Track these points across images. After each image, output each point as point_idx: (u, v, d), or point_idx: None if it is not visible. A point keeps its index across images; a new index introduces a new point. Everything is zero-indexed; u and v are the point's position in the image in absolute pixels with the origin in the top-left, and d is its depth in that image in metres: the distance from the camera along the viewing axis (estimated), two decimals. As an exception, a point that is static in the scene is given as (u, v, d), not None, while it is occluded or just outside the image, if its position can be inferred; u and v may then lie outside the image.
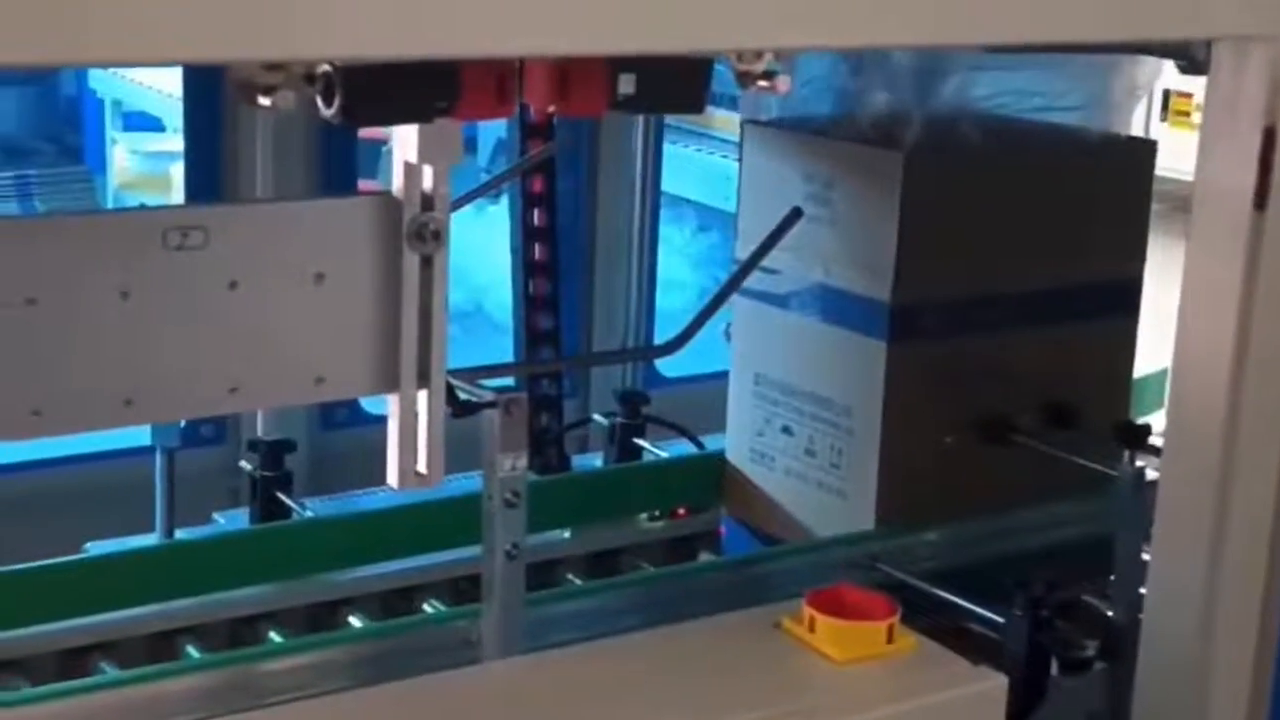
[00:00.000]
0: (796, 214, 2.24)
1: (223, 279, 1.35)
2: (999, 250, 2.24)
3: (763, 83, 1.28)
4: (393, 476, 1.46)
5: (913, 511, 2.21)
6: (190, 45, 1.04)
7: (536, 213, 2.79)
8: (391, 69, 1.17)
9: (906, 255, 2.14)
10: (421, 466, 1.47)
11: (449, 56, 1.17)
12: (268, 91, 1.15)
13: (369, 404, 2.92)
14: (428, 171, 1.39)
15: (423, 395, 1.46)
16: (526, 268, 2.80)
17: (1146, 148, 2.44)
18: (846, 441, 2.26)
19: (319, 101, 1.19)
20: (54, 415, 1.32)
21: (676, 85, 1.29)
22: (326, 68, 1.19)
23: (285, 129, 2.72)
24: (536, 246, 2.79)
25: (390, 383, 1.44)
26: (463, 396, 1.74)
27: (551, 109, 1.25)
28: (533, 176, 2.79)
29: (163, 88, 6.33)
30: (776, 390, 2.36)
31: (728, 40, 1.22)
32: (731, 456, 2.47)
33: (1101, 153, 2.34)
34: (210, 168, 2.72)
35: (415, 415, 1.45)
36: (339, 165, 2.80)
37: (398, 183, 1.40)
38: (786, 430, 2.35)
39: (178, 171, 5.85)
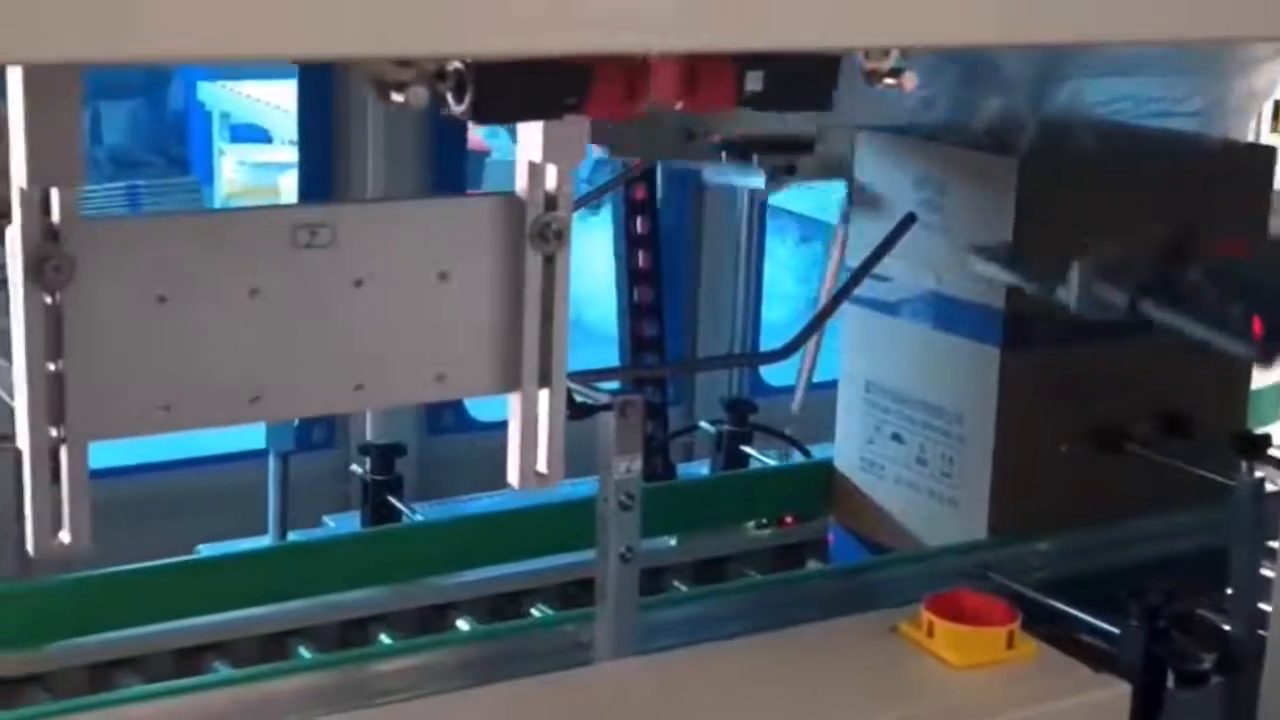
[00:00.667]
0: (910, 220, 2.22)
1: (349, 277, 1.36)
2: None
3: (889, 80, 1.27)
4: (513, 476, 1.47)
5: (1026, 521, 2.19)
6: (325, 41, 1.05)
7: (639, 220, 2.79)
8: (522, 66, 1.17)
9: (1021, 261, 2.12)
10: (541, 466, 1.47)
11: (580, 53, 1.17)
12: (400, 88, 1.15)
13: (476, 410, 2.94)
14: (551, 171, 1.39)
15: (543, 395, 1.46)
16: (630, 275, 2.80)
17: (1266, 154, 2.41)
18: (958, 450, 2.24)
19: (449, 98, 1.19)
20: (182, 410, 1.33)
21: (804, 82, 1.28)
22: (457, 64, 1.19)
23: (395, 137, 2.75)
24: (640, 254, 2.80)
25: (511, 382, 1.44)
26: (578, 399, 1.75)
27: (679, 105, 1.25)
28: (636, 184, 2.80)
29: (270, 99, 6.40)
30: (888, 398, 2.35)
31: (857, 37, 1.21)
32: (840, 464, 2.46)
33: (1220, 159, 2.31)
34: (323, 176, 2.74)
35: (536, 415, 1.46)
36: (448, 174, 2.81)
37: (521, 182, 1.40)
38: (897, 438, 2.34)
39: (285, 182, 5.92)
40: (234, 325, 1.32)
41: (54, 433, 1.26)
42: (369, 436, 2.74)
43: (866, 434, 2.40)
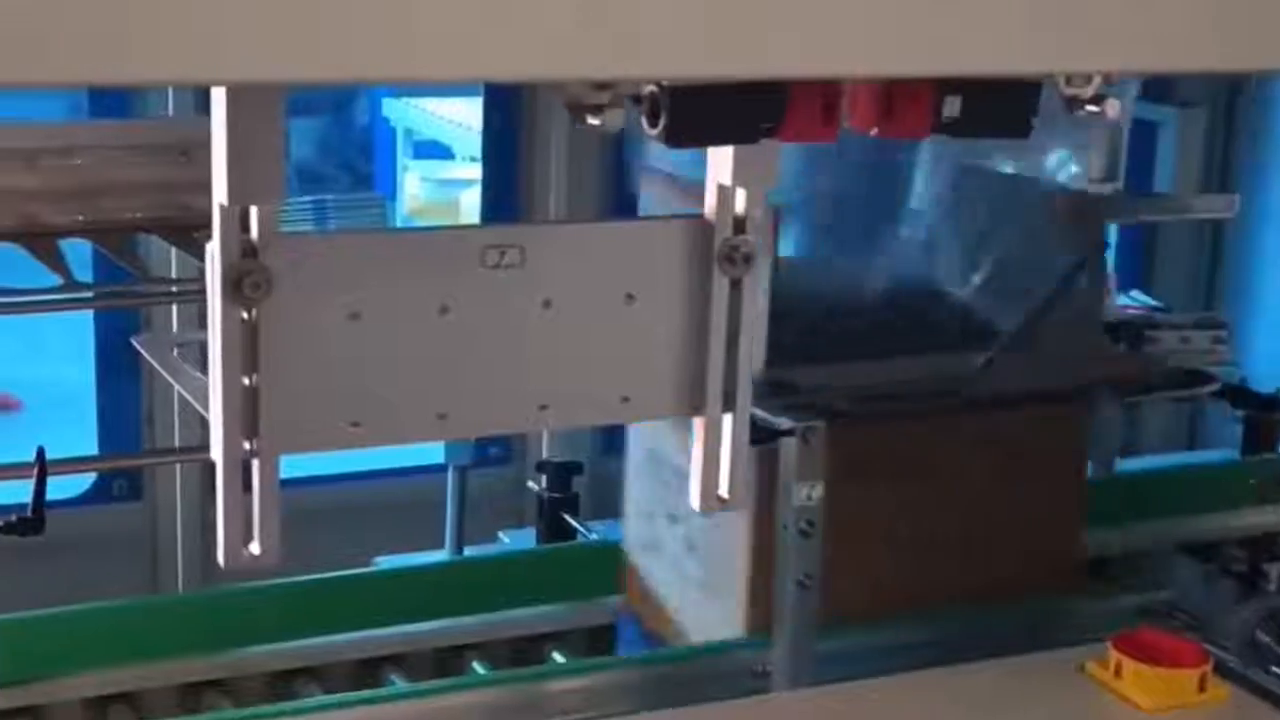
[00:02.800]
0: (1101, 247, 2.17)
1: (537, 297, 1.36)
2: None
3: (1091, 108, 1.24)
4: (695, 500, 1.45)
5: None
6: (525, 64, 1.05)
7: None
8: (717, 89, 1.17)
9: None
10: (724, 491, 1.46)
11: (776, 77, 1.16)
12: (596, 111, 1.15)
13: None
14: (741, 194, 1.38)
15: (727, 419, 1.44)
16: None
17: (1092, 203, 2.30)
18: (715, 536, 2.00)
19: (643, 122, 1.19)
20: (372, 427, 1.34)
21: (1003, 109, 1.26)
22: (653, 88, 1.19)
23: (579, 156, 2.76)
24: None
25: (695, 405, 1.43)
26: (759, 424, 1.73)
27: (874, 131, 1.23)
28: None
29: (453, 116, 6.48)
30: (668, 471, 2.07)
31: (1059, 62, 1.18)
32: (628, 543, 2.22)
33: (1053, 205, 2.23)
34: (507, 194, 2.77)
35: (719, 439, 1.44)
36: (630, 193, 2.82)
37: (710, 205, 1.39)
38: (672, 518, 2.10)
39: (466, 198, 5.99)
40: (423, 343, 1.33)
41: (247, 446, 1.27)
42: (545, 454, 2.75)
43: (648, 509, 2.16)
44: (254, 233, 1.24)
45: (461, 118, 6.30)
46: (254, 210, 1.24)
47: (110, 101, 2.66)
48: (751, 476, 1.56)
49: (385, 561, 2.38)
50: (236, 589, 2.14)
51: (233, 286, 1.24)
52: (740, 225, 1.39)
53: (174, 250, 2.27)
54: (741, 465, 1.45)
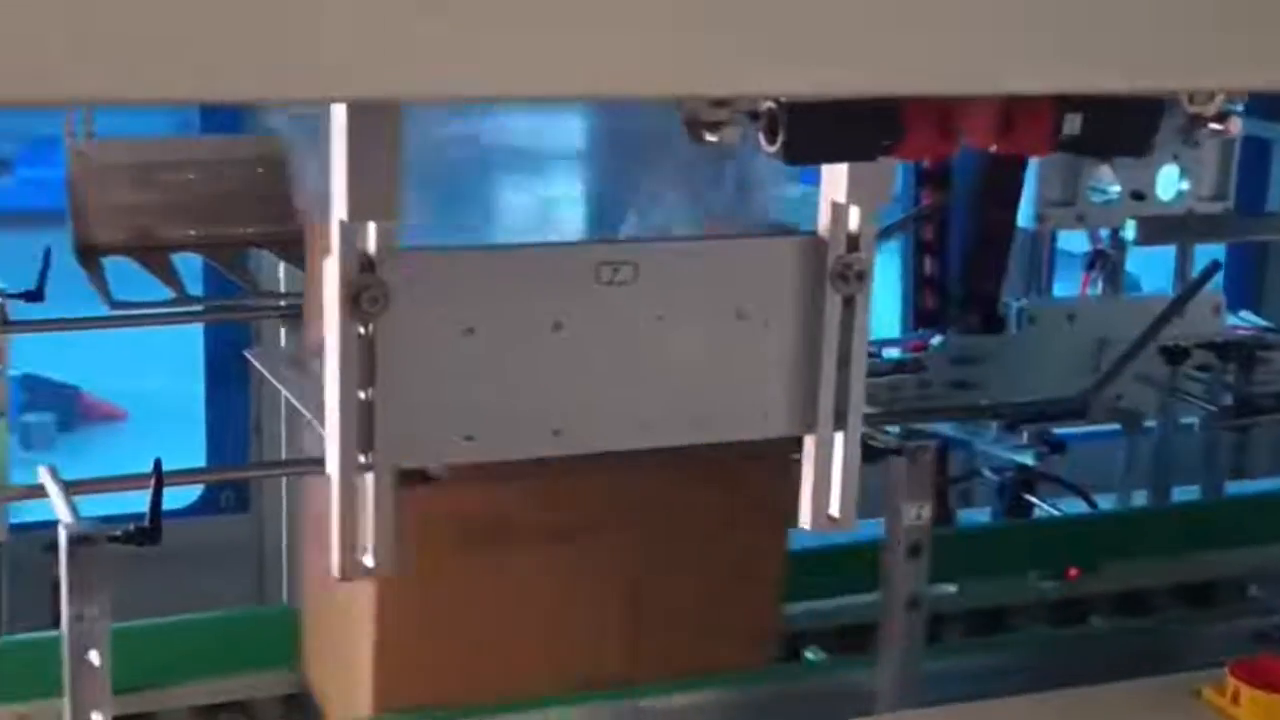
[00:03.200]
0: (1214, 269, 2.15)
1: (649, 313, 1.36)
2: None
3: (1215, 125, 1.23)
4: (805, 518, 1.45)
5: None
6: (646, 80, 1.05)
7: (929, 261, 2.75)
8: (835, 107, 1.16)
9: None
10: (834, 510, 1.45)
11: (896, 94, 1.16)
12: (714, 127, 1.15)
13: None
14: (854, 212, 1.38)
15: (838, 438, 1.44)
16: (917, 317, 2.76)
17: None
18: None
19: (761, 139, 1.19)
20: (486, 440, 1.35)
21: (1124, 127, 1.24)
22: (770, 105, 1.19)
23: (668, 174, 2.75)
24: (928, 295, 2.75)
25: (806, 423, 1.43)
26: (868, 442, 1.72)
27: (993, 148, 1.22)
28: (924, 225, 2.76)
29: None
30: None
31: (1184, 80, 1.17)
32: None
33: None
34: (612, 210, 2.76)
35: (830, 457, 1.44)
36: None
37: (823, 222, 1.39)
38: None
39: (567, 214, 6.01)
40: (537, 358, 1.34)
41: (362, 458, 1.28)
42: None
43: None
44: (372, 248, 1.25)
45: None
46: (371, 226, 1.25)
47: (221, 118, 2.69)
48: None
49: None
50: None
51: (351, 301, 1.25)
52: (853, 243, 1.39)
53: (282, 264, 2.29)
54: (852, 484, 1.45)
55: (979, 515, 2.78)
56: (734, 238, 1.46)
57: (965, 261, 2.60)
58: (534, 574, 1.72)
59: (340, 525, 1.29)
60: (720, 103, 1.16)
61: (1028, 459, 2.43)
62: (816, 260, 1.39)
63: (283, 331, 2.55)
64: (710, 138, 1.15)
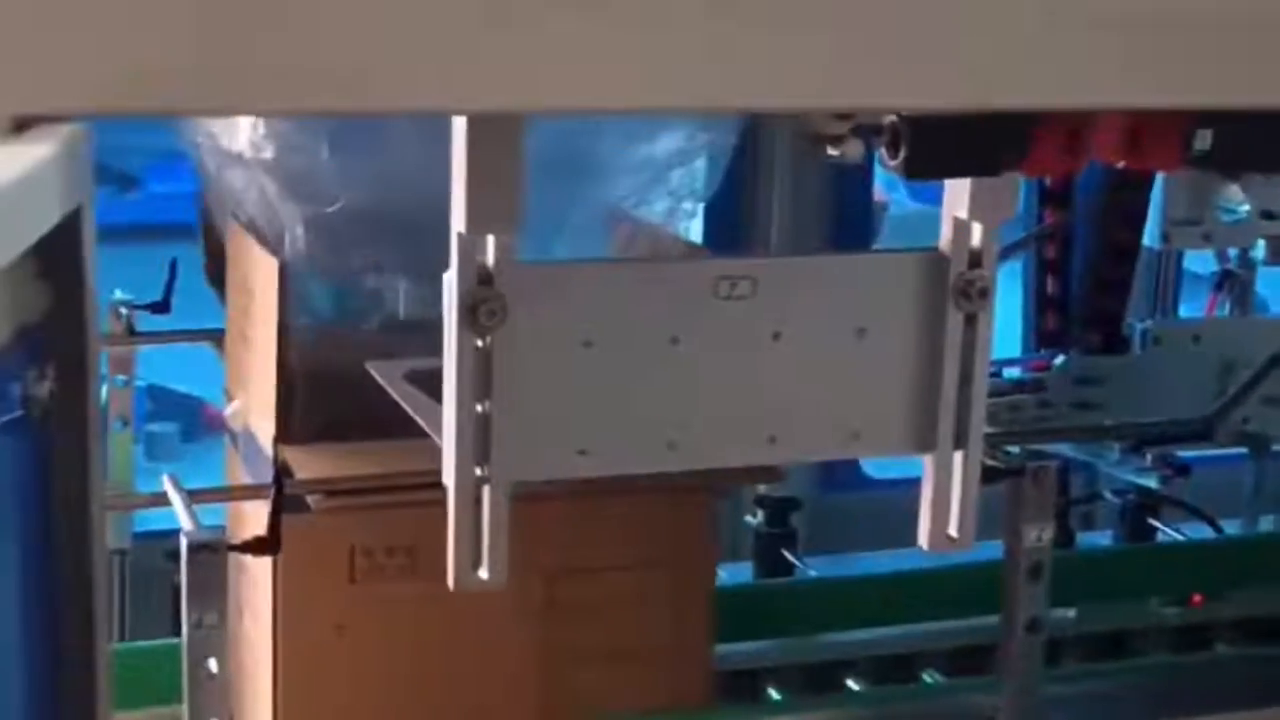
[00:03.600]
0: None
1: (767, 329, 1.35)
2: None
3: (1354, 143, 1.20)
4: (923, 539, 1.43)
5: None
6: (769, 93, 1.04)
7: (1051, 281, 2.71)
8: (960, 121, 1.15)
9: None
10: (953, 530, 1.43)
11: (1022, 109, 1.14)
12: (835, 141, 1.15)
13: (870, 466, 2.90)
14: (977, 228, 1.36)
15: (958, 457, 1.42)
16: (1039, 338, 2.72)
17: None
18: None
19: (883, 154, 1.18)
20: (600, 456, 1.34)
21: (1259, 143, 1.22)
22: (893, 119, 1.18)
23: (801, 188, 2.75)
24: (1050, 316, 2.72)
25: (926, 443, 1.41)
26: (987, 462, 1.70)
27: (1121, 164, 1.20)
28: (1046, 243, 2.72)
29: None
30: None
31: (1320, 95, 1.14)
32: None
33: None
34: (728, 225, 2.76)
35: (950, 477, 1.42)
36: (852, 226, 2.80)
37: (945, 238, 1.37)
38: None
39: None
40: (654, 372, 1.33)
41: (478, 471, 1.29)
42: (762, 488, 2.73)
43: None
44: (490, 261, 1.26)
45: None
46: (490, 239, 1.25)
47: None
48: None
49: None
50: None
51: (468, 314, 1.25)
52: (976, 259, 1.37)
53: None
54: (971, 504, 1.43)
55: (1100, 538, 2.74)
56: (854, 253, 1.45)
57: (1088, 281, 2.57)
58: (440, 609, 1.67)
59: (456, 538, 1.29)
60: (842, 116, 1.15)
61: (1151, 482, 2.39)
62: (938, 277, 1.37)
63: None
64: (831, 151, 1.15)
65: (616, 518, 1.77)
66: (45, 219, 0.84)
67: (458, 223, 1.23)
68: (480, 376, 1.26)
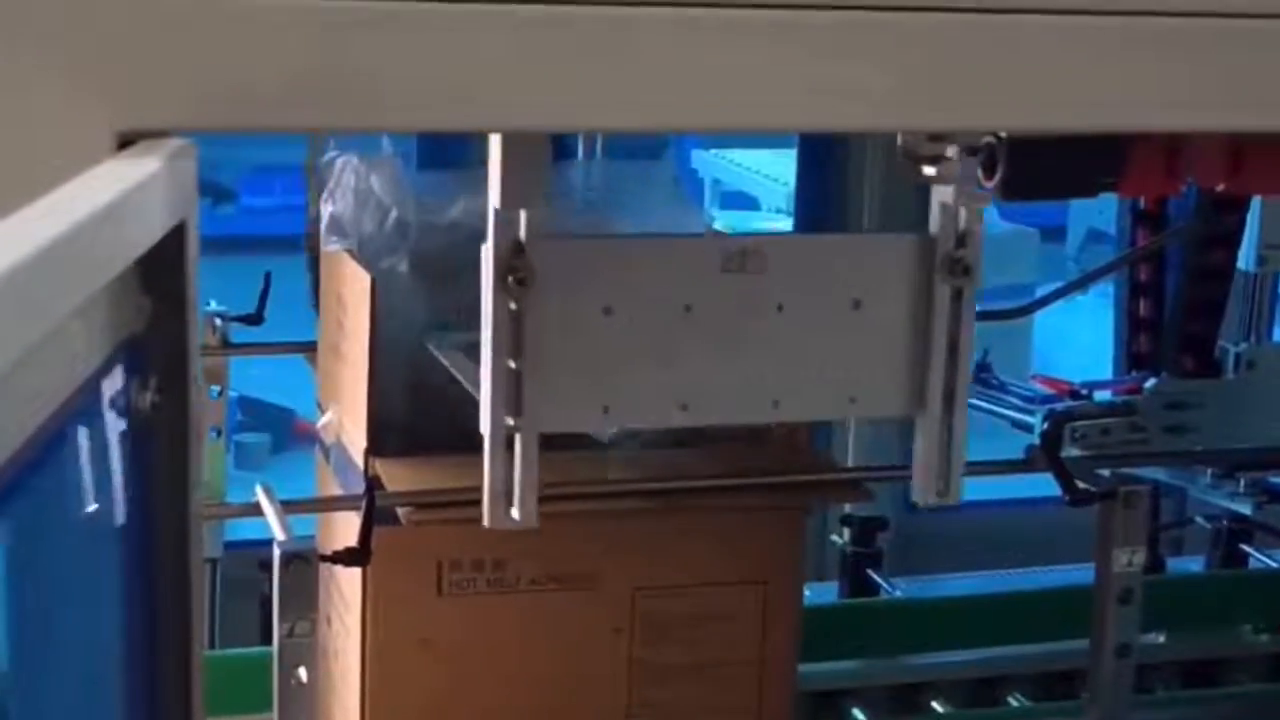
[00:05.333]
0: None
1: (772, 301, 1.46)
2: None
3: None
4: (916, 493, 1.56)
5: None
6: (867, 114, 1.05)
7: (1144, 304, 2.69)
8: (1057, 142, 1.15)
9: None
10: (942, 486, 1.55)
11: (1119, 130, 1.13)
12: (932, 161, 1.15)
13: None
14: (963, 212, 1.44)
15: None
16: (1131, 359, 2.70)
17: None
18: None
19: (979, 174, 1.18)
20: (619, 412, 1.46)
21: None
22: (990, 139, 1.17)
23: (891, 208, 2.74)
24: (1142, 338, 2.69)
25: (918, 405, 1.51)
26: (1081, 485, 1.69)
27: (1221, 187, 1.19)
28: (1139, 266, 2.70)
29: (759, 168, 6.51)
30: None
31: None
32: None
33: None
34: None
35: (939, 435, 1.52)
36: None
37: (934, 221, 1.46)
38: None
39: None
40: (668, 338, 1.44)
41: (510, 422, 1.40)
42: (848, 507, 2.72)
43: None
44: (522, 234, 1.36)
45: (767, 169, 6.33)
46: (523, 214, 1.36)
47: (432, 147, 2.74)
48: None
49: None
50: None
51: (501, 280, 1.36)
52: (961, 239, 1.46)
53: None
54: (959, 464, 1.53)
55: (1191, 564, 2.71)
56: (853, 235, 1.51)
57: (1181, 303, 2.54)
58: (527, 622, 1.74)
59: (490, 482, 1.41)
60: (938, 137, 1.15)
61: (1244, 508, 2.36)
62: (927, 256, 1.48)
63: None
64: (928, 171, 1.15)
65: (707, 534, 1.78)
66: (151, 233, 0.85)
67: (494, 199, 1.35)
68: (512, 336, 1.38)
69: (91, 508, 0.82)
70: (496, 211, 1.35)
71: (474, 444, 1.43)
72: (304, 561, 1.49)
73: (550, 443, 1.43)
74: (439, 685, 1.74)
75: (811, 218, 2.80)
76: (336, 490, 1.85)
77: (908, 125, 1.09)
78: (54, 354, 0.73)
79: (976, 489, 2.76)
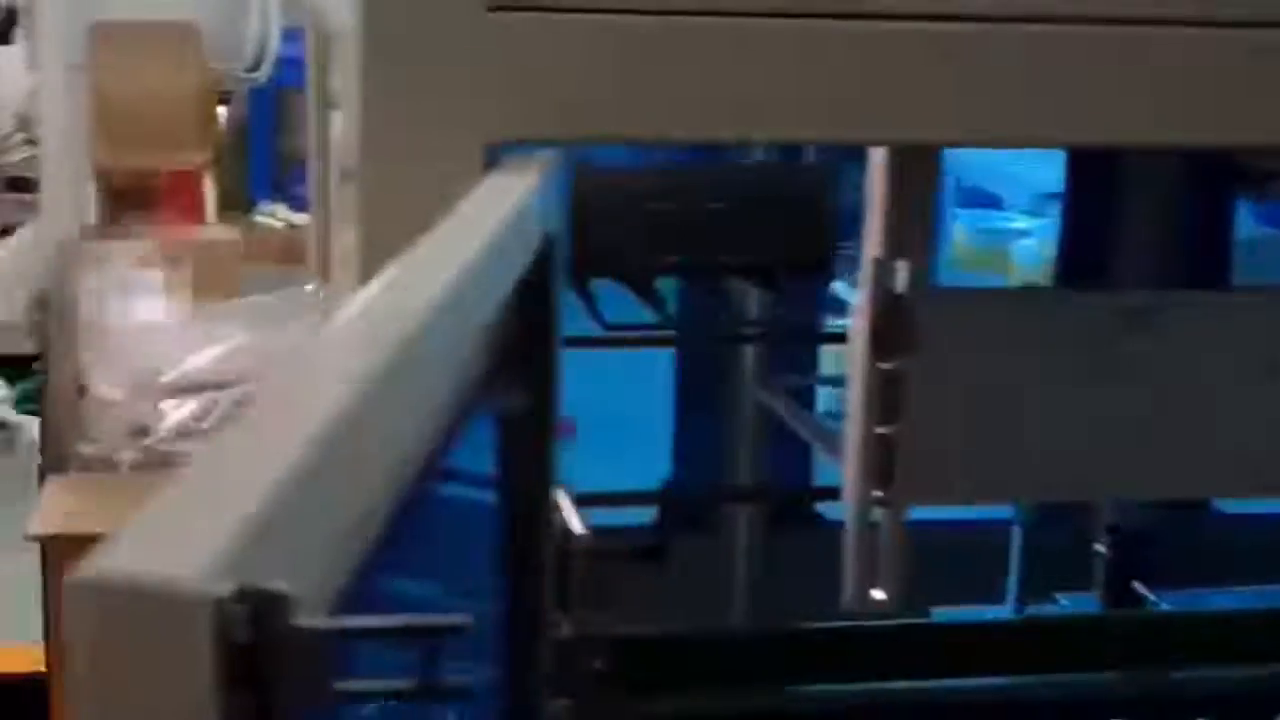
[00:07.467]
0: None
1: (1177, 363, 1.36)
2: None
3: None
4: None
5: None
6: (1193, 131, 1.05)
7: None
8: None
9: None
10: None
11: None
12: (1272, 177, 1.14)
13: (1220, 501, 2.83)
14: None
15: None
16: None
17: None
18: None
19: (1312, 193, 1.16)
20: (1005, 484, 1.40)
21: None
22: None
23: (1166, 223, 2.70)
24: None
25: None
26: None
27: None
28: None
29: (1000, 166, 6.41)
30: None
31: None
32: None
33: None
34: (1089, 252, 2.73)
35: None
36: (1208, 261, 2.74)
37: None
38: None
39: (1015, 249, 5.90)
40: (1062, 405, 1.34)
41: (878, 493, 1.32)
42: (1108, 517, 2.69)
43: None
44: (901, 287, 1.28)
45: (1011, 167, 6.23)
46: (901, 265, 1.28)
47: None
48: None
49: (941, 614, 2.37)
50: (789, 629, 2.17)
51: (878, 338, 1.28)
52: None
53: (757, 291, 2.35)
54: None
55: None
56: (1263, 290, 1.43)
57: None
58: None
59: (855, 558, 1.32)
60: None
61: None
62: None
63: (751, 355, 2.62)
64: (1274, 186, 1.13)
65: None
66: (534, 245, 0.90)
67: (872, 248, 1.26)
68: (887, 400, 1.30)
69: (476, 492, 0.88)
70: (876, 261, 1.27)
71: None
72: (601, 558, 1.52)
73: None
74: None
75: (1083, 223, 2.76)
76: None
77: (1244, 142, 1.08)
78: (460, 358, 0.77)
79: (1240, 501, 2.70)
